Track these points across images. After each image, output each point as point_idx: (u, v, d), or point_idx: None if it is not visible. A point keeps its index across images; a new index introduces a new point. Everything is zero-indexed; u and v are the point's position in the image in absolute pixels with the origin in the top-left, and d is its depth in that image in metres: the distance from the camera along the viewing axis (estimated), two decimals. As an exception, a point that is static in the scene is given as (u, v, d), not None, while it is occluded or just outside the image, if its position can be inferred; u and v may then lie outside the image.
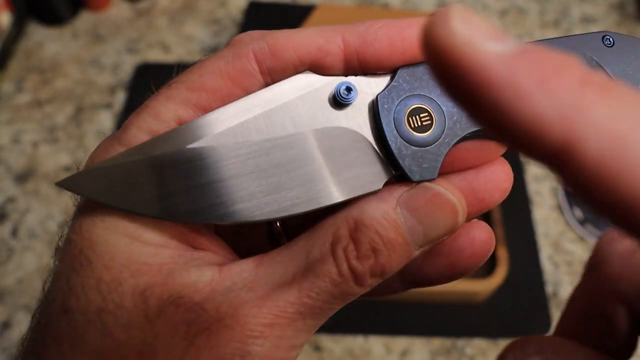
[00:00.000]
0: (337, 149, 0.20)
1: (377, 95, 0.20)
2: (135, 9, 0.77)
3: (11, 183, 0.61)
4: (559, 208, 0.60)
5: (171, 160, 0.19)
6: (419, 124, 0.20)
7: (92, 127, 0.66)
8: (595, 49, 0.22)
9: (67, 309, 0.18)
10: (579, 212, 0.59)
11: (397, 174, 0.20)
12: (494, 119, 0.12)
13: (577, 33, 0.23)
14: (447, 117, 0.20)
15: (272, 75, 0.20)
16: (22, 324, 0.52)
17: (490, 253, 0.22)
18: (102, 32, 0.75)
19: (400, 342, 0.52)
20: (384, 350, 0.51)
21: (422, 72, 0.20)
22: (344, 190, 0.20)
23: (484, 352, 0.51)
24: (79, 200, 0.20)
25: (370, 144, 0.20)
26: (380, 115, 0.20)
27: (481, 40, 0.12)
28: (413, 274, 0.23)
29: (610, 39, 0.22)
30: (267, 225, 0.23)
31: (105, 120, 0.66)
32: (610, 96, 0.12)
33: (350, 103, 0.20)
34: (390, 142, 0.20)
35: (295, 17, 0.69)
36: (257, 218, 0.19)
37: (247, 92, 0.20)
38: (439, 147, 0.20)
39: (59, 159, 0.63)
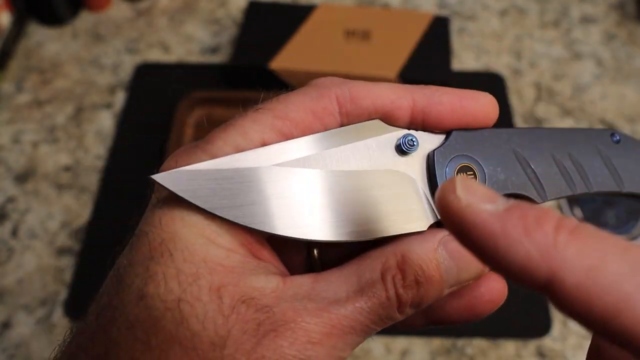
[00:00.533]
0: (394, 190, 0.23)
1: (434, 150, 0.24)
2: (135, 9, 0.77)
3: (11, 183, 0.61)
4: (559, 208, 0.60)
5: (255, 174, 0.21)
6: None
7: (92, 127, 0.66)
8: (605, 144, 0.26)
9: (144, 294, 0.19)
10: (579, 212, 0.59)
11: (440, 220, 0.23)
12: (494, 261, 0.16)
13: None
14: (487, 178, 0.24)
15: (349, 118, 0.23)
16: (21, 324, 0.52)
17: (503, 301, 0.25)
18: (102, 32, 0.75)
19: (400, 342, 0.52)
20: (384, 350, 0.51)
21: (472, 137, 0.24)
22: (395, 227, 0.23)
23: (484, 352, 0.51)
24: (154, 196, 0.22)
25: (422, 190, 0.23)
26: (435, 168, 0.23)
27: (478, 202, 0.16)
28: (436, 313, 0.25)
29: (617, 136, 0.26)
30: (307, 252, 0.26)
31: (105, 120, 0.66)
32: (579, 236, 0.15)
33: (411, 153, 0.23)
34: None
35: (295, 17, 0.69)
36: (318, 238, 0.22)
37: (326, 128, 0.23)
38: None
39: (59, 159, 0.63)
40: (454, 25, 0.76)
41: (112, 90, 0.69)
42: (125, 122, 0.66)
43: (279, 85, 0.66)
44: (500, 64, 0.72)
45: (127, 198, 0.61)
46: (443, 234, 0.23)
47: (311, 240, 0.22)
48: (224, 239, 0.21)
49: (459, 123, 0.24)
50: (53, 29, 0.75)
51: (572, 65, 0.72)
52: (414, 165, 0.24)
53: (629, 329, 0.14)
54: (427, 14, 0.70)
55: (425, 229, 0.23)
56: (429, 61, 0.66)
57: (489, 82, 0.70)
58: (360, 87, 0.23)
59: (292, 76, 0.65)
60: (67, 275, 0.55)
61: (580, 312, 0.15)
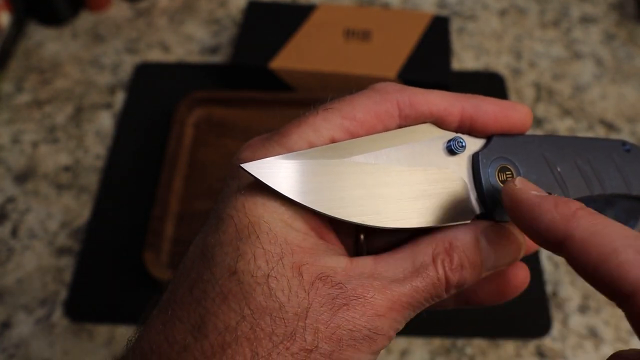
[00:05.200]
0: (443, 186, 0.26)
1: (479, 152, 0.27)
2: (135, 9, 0.77)
3: (11, 183, 0.61)
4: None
5: (328, 166, 0.24)
6: (505, 179, 0.27)
7: (91, 127, 0.66)
8: (618, 152, 0.30)
9: (235, 270, 0.22)
10: (578, 212, 0.59)
11: (481, 213, 0.27)
12: (530, 223, 0.23)
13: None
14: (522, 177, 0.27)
15: (407, 121, 0.26)
16: (21, 324, 0.52)
17: (526, 286, 0.29)
18: (102, 32, 0.75)
19: (399, 342, 0.52)
20: (384, 350, 0.51)
21: (510, 142, 0.27)
22: (444, 218, 0.26)
23: (484, 352, 0.51)
24: (232, 183, 0.25)
25: (468, 187, 0.27)
26: (480, 168, 0.26)
27: (528, 190, 0.23)
28: (467, 294, 0.30)
29: (628, 146, 0.30)
30: (356, 237, 0.29)
31: (105, 120, 0.66)
32: (592, 215, 0.21)
33: (459, 153, 0.27)
34: (485, 189, 0.26)
35: (295, 17, 0.69)
36: (379, 225, 0.24)
37: (386, 129, 0.26)
38: None
39: (59, 159, 0.63)
40: (454, 25, 0.76)
41: (111, 90, 0.69)
42: (125, 122, 0.66)
43: (279, 85, 0.66)
44: (500, 64, 0.72)
45: (127, 198, 0.61)
46: (484, 225, 0.26)
47: (374, 226, 0.24)
48: (299, 223, 0.24)
49: (500, 129, 0.27)
50: (53, 29, 0.75)
51: (571, 65, 0.72)
52: (461, 165, 0.27)
53: (610, 272, 0.20)
54: (427, 14, 0.70)
55: (469, 221, 0.26)
56: (429, 61, 0.66)
57: (488, 82, 0.70)
58: (418, 94, 0.26)
59: (292, 76, 0.65)
60: (67, 275, 0.55)
61: (581, 260, 0.21)
